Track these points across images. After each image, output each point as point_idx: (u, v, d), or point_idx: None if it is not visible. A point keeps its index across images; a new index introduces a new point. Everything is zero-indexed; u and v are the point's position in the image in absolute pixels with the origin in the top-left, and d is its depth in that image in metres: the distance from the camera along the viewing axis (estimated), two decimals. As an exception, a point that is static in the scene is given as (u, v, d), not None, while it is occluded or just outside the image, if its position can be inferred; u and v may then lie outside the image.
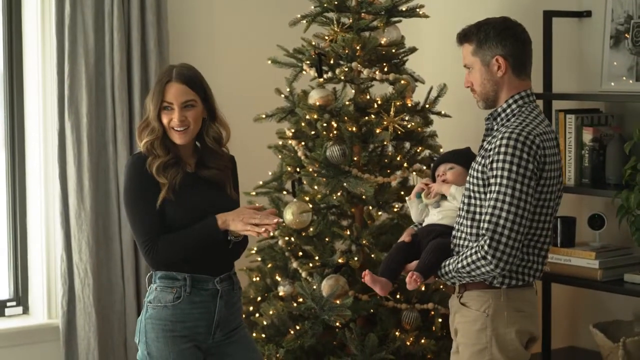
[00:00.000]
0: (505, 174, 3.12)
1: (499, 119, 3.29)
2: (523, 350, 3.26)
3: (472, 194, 3.26)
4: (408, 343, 4.23)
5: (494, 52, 3.25)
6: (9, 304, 4.80)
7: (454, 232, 3.34)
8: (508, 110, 3.27)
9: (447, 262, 3.27)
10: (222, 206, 3.43)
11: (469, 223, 3.25)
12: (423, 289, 4.28)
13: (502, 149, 3.13)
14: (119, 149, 4.68)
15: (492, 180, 3.16)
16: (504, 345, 3.22)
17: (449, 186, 3.41)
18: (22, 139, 4.77)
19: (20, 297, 4.82)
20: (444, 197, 3.44)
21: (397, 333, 4.24)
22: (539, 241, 3.24)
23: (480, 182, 3.22)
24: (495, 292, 3.23)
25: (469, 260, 3.17)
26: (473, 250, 3.17)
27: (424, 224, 3.47)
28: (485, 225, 3.14)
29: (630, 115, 4.30)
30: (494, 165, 3.15)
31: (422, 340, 4.25)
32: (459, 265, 3.21)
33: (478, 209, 3.23)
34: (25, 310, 4.83)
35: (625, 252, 4.22)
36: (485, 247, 3.12)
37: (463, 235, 3.28)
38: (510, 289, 3.23)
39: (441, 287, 4.31)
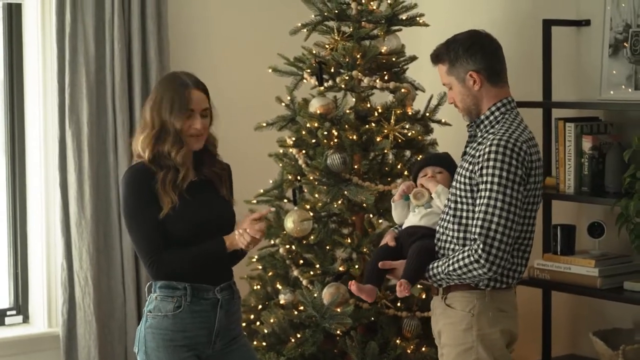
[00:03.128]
0: (496, 179, 3.20)
1: (482, 126, 3.37)
2: (506, 349, 3.34)
3: (458, 199, 3.33)
4: (409, 351, 4.24)
5: (467, 68, 3.34)
6: (9, 312, 4.80)
7: (437, 235, 3.41)
8: (491, 118, 3.35)
9: (435, 265, 3.33)
10: (221, 212, 3.45)
11: (455, 227, 3.33)
12: (424, 296, 4.28)
13: (492, 156, 3.21)
14: (120, 157, 4.69)
15: (482, 187, 3.23)
16: (490, 344, 3.29)
17: (435, 184, 3.47)
18: (22, 147, 4.78)
19: (21, 305, 4.82)
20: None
21: (397, 341, 4.25)
22: (523, 244, 3.32)
23: (468, 188, 3.29)
24: (480, 292, 3.31)
25: (461, 263, 3.24)
26: (465, 254, 3.23)
27: (403, 226, 3.52)
28: (478, 230, 3.21)
29: (629, 124, 4.32)
30: (484, 171, 3.22)
31: (423, 348, 4.25)
32: (450, 268, 3.27)
33: (465, 214, 3.30)
34: (26, 319, 4.83)
35: (625, 260, 4.23)
36: (479, 251, 3.19)
37: (449, 239, 3.35)
38: (493, 291, 3.31)
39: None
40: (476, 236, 3.21)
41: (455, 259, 3.26)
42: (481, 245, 3.19)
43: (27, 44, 4.75)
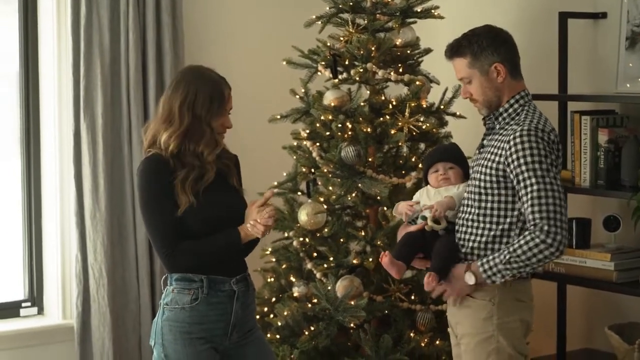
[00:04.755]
0: (537, 166, 3.21)
1: (500, 119, 3.39)
2: (524, 339, 3.37)
3: (482, 191, 3.34)
4: (422, 344, 4.23)
5: (491, 60, 3.35)
6: (24, 304, 4.81)
7: (457, 227, 3.42)
8: (510, 110, 3.37)
9: (490, 258, 3.27)
10: (234, 204, 3.44)
11: (480, 219, 3.34)
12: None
13: (526, 145, 3.23)
14: (134, 149, 4.69)
15: (524, 175, 3.22)
16: (509, 333, 3.31)
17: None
18: (37, 139, 4.79)
19: (35, 297, 4.83)
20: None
21: (411, 334, 4.24)
22: None
23: (494, 179, 3.30)
24: (501, 282, 3.31)
25: (525, 248, 3.20)
26: (528, 238, 3.20)
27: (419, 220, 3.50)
28: (537, 215, 3.19)
29: (646, 117, 4.29)
30: (522, 160, 3.22)
31: (437, 342, 4.25)
32: (514, 254, 3.22)
33: (490, 204, 3.32)
34: (40, 311, 4.84)
35: (641, 254, 4.21)
36: (545, 232, 3.17)
37: (473, 231, 3.36)
38: (514, 280, 3.32)
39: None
40: (537, 221, 3.19)
41: (517, 245, 3.22)
42: (546, 227, 3.17)
43: (42, 36, 4.76)
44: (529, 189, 3.22)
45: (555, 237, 3.18)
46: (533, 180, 3.21)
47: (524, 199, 3.23)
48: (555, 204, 3.19)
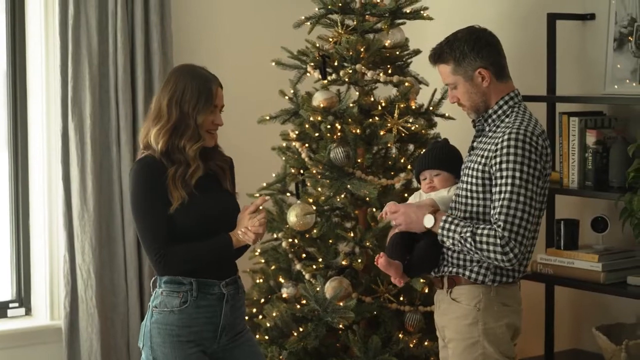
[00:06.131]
0: (517, 174, 3.17)
1: (489, 120, 3.35)
2: (511, 343, 3.35)
3: (468, 194, 3.31)
4: (411, 345, 4.24)
5: (474, 65, 3.30)
6: (11, 305, 4.80)
7: None
8: (500, 112, 3.33)
9: (456, 222, 3.24)
10: (226, 205, 3.44)
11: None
12: (426, 291, 4.28)
13: (512, 150, 3.18)
14: (123, 150, 4.68)
15: (501, 181, 3.19)
16: (495, 338, 3.29)
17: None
18: (25, 140, 4.77)
19: (23, 298, 4.82)
20: None
21: (400, 335, 4.24)
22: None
23: (480, 182, 3.27)
24: (486, 287, 3.30)
25: (484, 239, 3.17)
26: (492, 233, 3.16)
27: None
28: (501, 224, 3.16)
29: (634, 118, 4.30)
30: (504, 165, 3.18)
31: (426, 343, 4.26)
32: (468, 234, 3.19)
33: (475, 208, 3.29)
34: (28, 312, 4.83)
35: (629, 255, 4.22)
36: (501, 246, 3.14)
37: None
38: (499, 285, 3.31)
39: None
40: (499, 232, 3.16)
41: (479, 232, 3.18)
42: (505, 240, 3.14)
43: (30, 37, 4.74)
44: (502, 195, 3.18)
45: (512, 250, 3.15)
46: (509, 188, 3.16)
47: (496, 204, 3.20)
48: (522, 218, 3.15)
